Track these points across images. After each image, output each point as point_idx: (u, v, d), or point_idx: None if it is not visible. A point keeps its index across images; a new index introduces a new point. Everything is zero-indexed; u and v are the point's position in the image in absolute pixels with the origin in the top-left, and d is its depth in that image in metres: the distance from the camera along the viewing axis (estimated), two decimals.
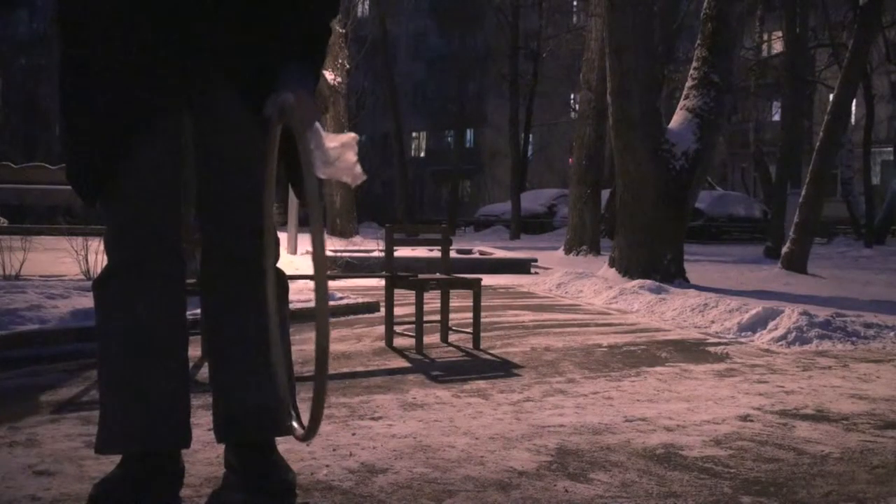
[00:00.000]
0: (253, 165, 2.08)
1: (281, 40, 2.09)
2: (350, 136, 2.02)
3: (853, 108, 20.39)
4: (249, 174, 2.10)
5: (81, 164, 2.07)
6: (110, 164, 2.04)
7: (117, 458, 2.08)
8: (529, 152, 31.90)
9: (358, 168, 2.00)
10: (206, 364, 3.69)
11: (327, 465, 2.35)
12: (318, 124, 2.01)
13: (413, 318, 4.62)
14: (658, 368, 4.08)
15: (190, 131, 2.14)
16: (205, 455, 2.38)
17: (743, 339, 5.08)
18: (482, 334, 4.75)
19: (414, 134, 43.66)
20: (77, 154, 2.07)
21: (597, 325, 5.71)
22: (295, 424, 2.01)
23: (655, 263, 8.33)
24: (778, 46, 24.12)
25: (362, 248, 11.73)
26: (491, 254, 11.79)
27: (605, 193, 17.40)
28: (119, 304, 2.07)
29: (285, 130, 1.99)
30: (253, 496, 2.09)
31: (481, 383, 3.61)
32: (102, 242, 2.11)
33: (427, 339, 4.64)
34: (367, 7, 33.13)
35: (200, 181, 2.15)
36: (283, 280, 2.23)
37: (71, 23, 2.04)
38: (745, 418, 3.05)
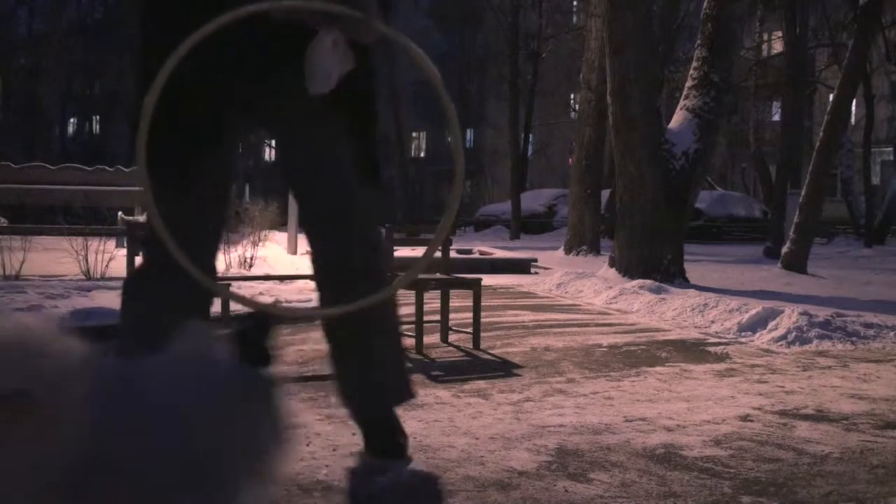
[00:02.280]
0: (342, 182, 2.22)
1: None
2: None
3: (853, 108, 20.39)
4: (340, 191, 2.23)
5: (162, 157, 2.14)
6: (180, 169, 2.13)
7: None
8: (529, 152, 31.87)
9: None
10: None
11: (327, 465, 2.35)
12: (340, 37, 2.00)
13: (413, 318, 4.62)
14: (658, 368, 4.08)
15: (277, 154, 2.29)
16: None
17: (743, 339, 5.08)
18: (482, 334, 4.75)
19: (414, 134, 43.62)
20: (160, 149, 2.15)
21: (597, 325, 5.71)
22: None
23: (655, 263, 8.33)
24: (778, 46, 24.13)
25: None
26: (491, 254, 11.78)
27: (605, 193, 17.38)
28: (147, 301, 2.16)
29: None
30: (374, 454, 2.33)
31: (481, 383, 3.61)
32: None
33: (427, 339, 4.64)
34: None
35: (299, 200, 2.30)
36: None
37: (155, 39, 2.11)
38: (745, 418, 3.05)
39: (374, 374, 2.37)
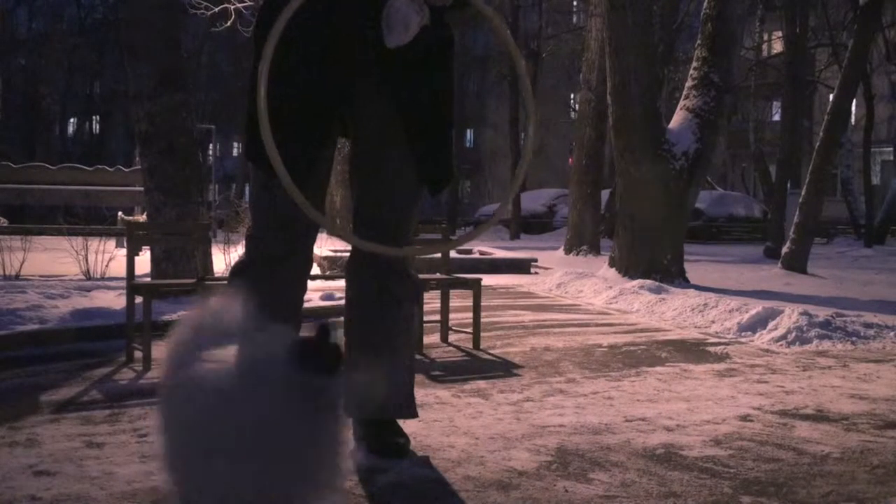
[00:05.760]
0: (401, 188, 2.40)
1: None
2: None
3: (853, 108, 20.38)
4: (398, 195, 2.41)
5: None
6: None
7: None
8: None
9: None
10: None
11: None
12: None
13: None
14: (658, 368, 4.08)
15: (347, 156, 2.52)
16: None
17: (743, 339, 5.08)
18: (482, 334, 4.74)
19: None
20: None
21: (597, 325, 5.71)
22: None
23: (655, 263, 8.33)
24: (778, 46, 24.12)
25: None
26: (491, 254, 11.78)
27: (605, 193, 17.39)
28: (252, 291, 2.29)
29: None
30: (374, 454, 2.41)
31: (481, 383, 3.61)
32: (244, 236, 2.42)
33: (427, 339, 4.64)
34: None
35: (359, 195, 2.45)
36: (416, 282, 2.56)
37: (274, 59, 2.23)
38: (745, 418, 3.05)
39: (385, 377, 2.46)
